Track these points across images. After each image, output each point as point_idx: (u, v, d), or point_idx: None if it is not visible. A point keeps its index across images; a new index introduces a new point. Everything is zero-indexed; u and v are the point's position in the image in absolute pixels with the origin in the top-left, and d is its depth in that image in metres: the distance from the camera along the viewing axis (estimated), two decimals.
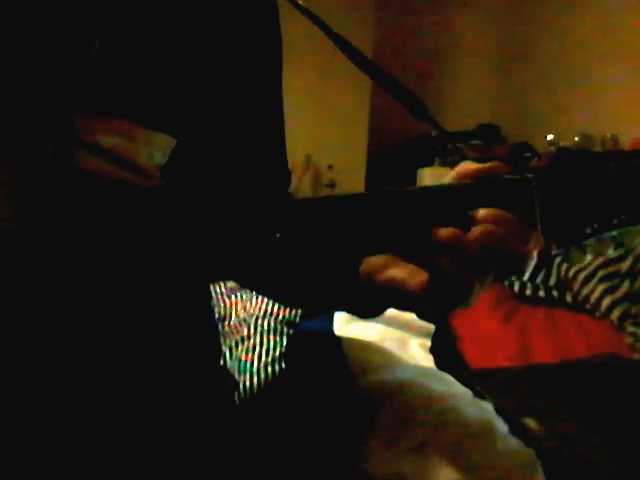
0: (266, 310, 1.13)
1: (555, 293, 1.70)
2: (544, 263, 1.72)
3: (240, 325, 1.15)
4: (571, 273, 1.68)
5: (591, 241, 0.51)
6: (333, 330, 1.11)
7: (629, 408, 1.00)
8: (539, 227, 0.50)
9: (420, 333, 1.21)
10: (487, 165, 0.52)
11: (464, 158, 2.58)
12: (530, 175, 0.51)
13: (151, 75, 0.59)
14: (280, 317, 1.12)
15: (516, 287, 1.74)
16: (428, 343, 1.21)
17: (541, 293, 1.72)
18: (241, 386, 0.99)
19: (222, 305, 1.22)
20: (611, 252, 0.47)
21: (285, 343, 1.07)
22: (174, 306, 0.63)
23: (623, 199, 0.50)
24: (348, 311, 0.63)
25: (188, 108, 0.61)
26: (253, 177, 0.69)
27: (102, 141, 0.54)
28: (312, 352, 1.06)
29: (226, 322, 1.18)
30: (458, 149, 2.84)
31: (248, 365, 1.02)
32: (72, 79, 0.55)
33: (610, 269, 1.63)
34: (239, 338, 1.11)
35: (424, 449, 0.87)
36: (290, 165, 0.75)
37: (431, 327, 1.25)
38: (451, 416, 0.91)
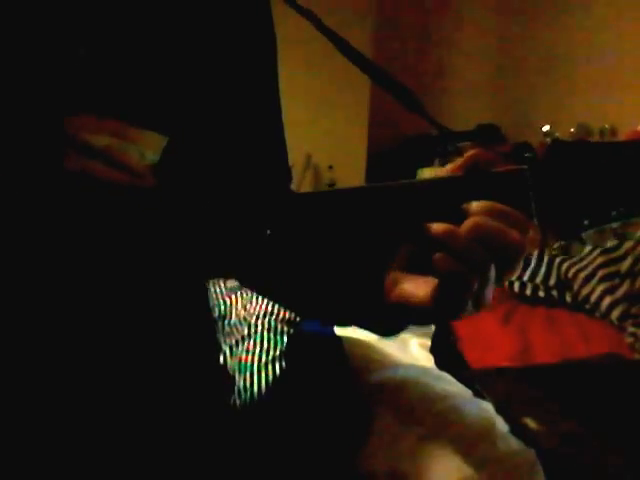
0: (266, 309, 1.13)
1: (555, 293, 1.70)
2: (540, 256, 1.72)
3: (240, 324, 1.15)
4: (571, 273, 1.68)
5: (590, 233, 0.50)
6: (333, 330, 1.11)
7: (629, 408, 1.00)
8: (534, 219, 0.50)
9: (420, 333, 1.21)
10: (467, 154, 0.51)
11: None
12: (525, 167, 0.50)
13: (143, 73, 0.59)
14: (280, 316, 1.12)
15: (516, 287, 1.74)
16: (428, 343, 1.21)
17: (541, 293, 1.72)
18: (241, 385, 0.99)
19: (222, 304, 1.22)
20: (611, 245, 0.47)
21: (285, 343, 1.07)
22: (171, 303, 0.63)
23: (621, 190, 0.50)
24: (368, 329, 0.63)
25: (182, 106, 0.61)
26: (252, 174, 0.69)
27: (93, 141, 0.54)
28: (312, 352, 1.06)
29: (226, 321, 1.18)
30: (458, 149, 2.84)
31: (248, 365, 1.02)
32: (62, 79, 0.55)
33: (610, 269, 1.63)
34: (239, 337, 1.11)
35: (424, 449, 0.87)
36: (290, 164, 0.74)
37: (431, 327, 1.25)
38: (451, 416, 0.91)
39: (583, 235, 0.51)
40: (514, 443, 0.88)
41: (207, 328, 0.74)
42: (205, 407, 0.67)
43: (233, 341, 1.10)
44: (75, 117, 0.54)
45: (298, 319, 1.12)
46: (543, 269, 1.73)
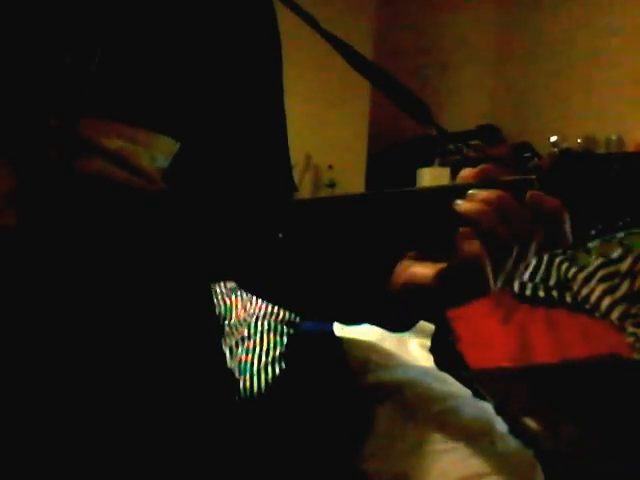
0: (266, 310, 1.13)
1: (555, 293, 1.70)
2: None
3: (240, 325, 1.15)
4: (571, 273, 1.68)
5: (596, 243, 0.51)
6: (333, 330, 1.11)
7: (629, 408, 1.00)
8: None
9: (420, 333, 1.21)
10: (482, 167, 0.52)
11: (465, 158, 2.58)
12: (533, 177, 0.51)
13: (153, 78, 0.59)
14: (280, 317, 1.12)
15: (516, 287, 1.74)
16: (428, 343, 1.21)
17: (541, 293, 1.72)
18: (241, 386, 0.99)
19: (222, 305, 1.22)
20: (617, 255, 0.47)
21: (285, 343, 1.07)
22: (176, 307, 0.63)
23: (627, 201, 0.50)
24: (378, 324, 0.63)
25: (191, 111, 0.61)
26: (256, 178, 0.69)
27: (105, 144, 0.54)
28: (312, 352, 1.06)
29: (226, 322, 1.18)
30: (458, 149, 2.84)
31: (248, 365, 1.02)
32: (75, 83, 0.55)
33: (610, 269, 1.63)
34: (239, 338, 1.11)
35: (424, 449, 0.87)
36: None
37: (431, 327, 1.25)
38: (451, 416, 0.91)
39: (589, 245, 0.51)
40: (513, 443, 0.88)
41: (212, 330, 0.74)
42: (207, 407, 0.67)
43: (233, 342, 1.10)
44: (87, 120, 0.55)
45: (298, 320, 1.12)
46: (543, 269, 1.73)
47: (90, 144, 0.54)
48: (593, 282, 1.63)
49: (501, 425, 0.91)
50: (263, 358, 1.03)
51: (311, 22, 0.64)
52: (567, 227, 0.49)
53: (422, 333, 1.22)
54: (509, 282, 0.51)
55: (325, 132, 2.97)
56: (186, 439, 0.62)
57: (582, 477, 0.88)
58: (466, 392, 1.01)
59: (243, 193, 0.67)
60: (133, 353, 0.59)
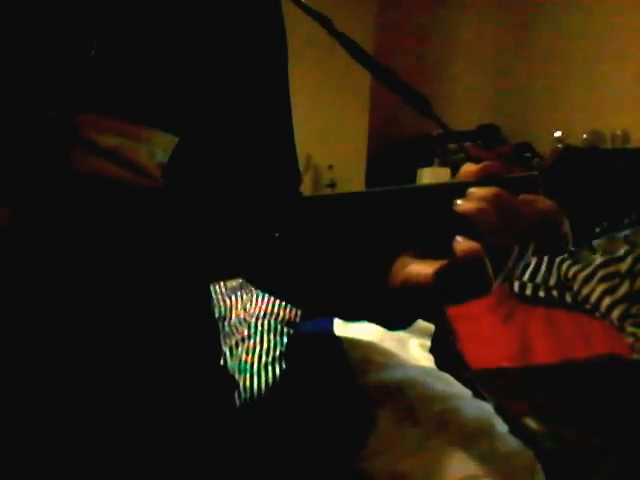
0: (266, 310, 1.13)
1: (555, 293, 1.70)
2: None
3: (240, 325, 1.15)
4: (571, 273, 1.68)
5: (601, 241, 0.50)
6: (333, 330, 1.10)
7: (629, 408, 1.00)
8: None
9: (420, 333, 1.21)
10: (484, 164, 0.51)
11: (467, 156, 2.57)
12: (535, 172, 0.50)
13: (152, 73, 0.59)
14: (280, 317, 1.12)
15: (516, 287, 1.74)
16: (428, 343, 1.21)
17: (541, 293, 1.72)
18: (241, 386, 0.99)
19: (222, 305, 1.22)
20: (623, 252, 0.47)
21: (285, 343, 1.07)
22: (174, 306, 0.63)
23: (633, 197, 0.49)
24: (376, 322, 0.62)
25: (191, 106, 0.61)
26: (261, 176, 0.69)
27: (103, 140, 0.54)
28: (312, 352, 1.06)
29: (226, 322, 1.18)
30: (459, 148, 2.84)
31: (248, 365, 1.02)
32: (71, 78, 0.55)
33: (610, 269, 1.63)
34: (239, 338, 1.11)
35: (424, 449, 0.87)
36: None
37: (431, 327, 1.25)
38: (451, 416, 0.91)
39: (594, 243, 0.50)
40: (514, 443, 0.88)
41: (210, 330, 0.74)
42: (206, 408, 0.67)
43: (233, 342, 1.10)
44: (84, 116, 0.54)
45: (298, 319, 1.12)
46: (543, 269, 1.73)
47: (88, 141, 0.54)
48: (593, 282, 1.64)
49: (501, 425, 0.91)
50: (263, 358, 1.03)
51: (319, 18, 0.63)
52: (565, 229, 0.48)
53: (422, 333, 1.22)
54: (508, 279, 0.50)
55: (325, 132, 2.97)
56: (186, 439, 0.62)
57: (582, 477, 0.88)
58: (466, 392, 1.01)
59: (244, 188, 0.66)
60: (132, 353, 0.59)
